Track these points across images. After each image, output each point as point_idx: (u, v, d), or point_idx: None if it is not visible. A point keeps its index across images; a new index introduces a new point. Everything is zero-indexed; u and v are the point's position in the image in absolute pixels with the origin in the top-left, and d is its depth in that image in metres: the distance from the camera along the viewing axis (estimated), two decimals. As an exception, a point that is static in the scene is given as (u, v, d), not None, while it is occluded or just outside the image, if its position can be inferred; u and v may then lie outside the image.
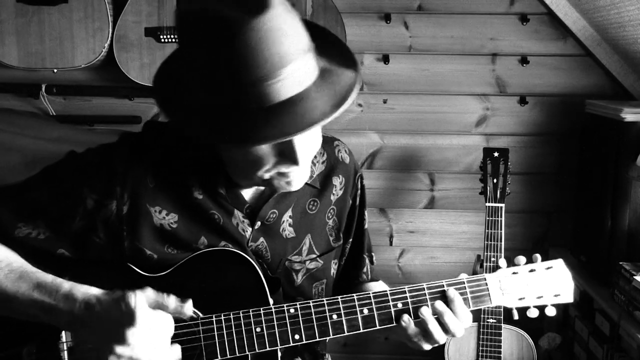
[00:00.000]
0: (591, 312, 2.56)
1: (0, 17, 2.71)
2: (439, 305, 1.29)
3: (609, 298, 2.38)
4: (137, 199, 1.29)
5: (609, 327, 2.38)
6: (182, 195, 1.31)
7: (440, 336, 1.30)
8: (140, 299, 1.13)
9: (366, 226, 1.57)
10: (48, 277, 1.21)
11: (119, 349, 1.12)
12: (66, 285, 1.19)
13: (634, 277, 2.20)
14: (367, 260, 1.58)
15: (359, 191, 1.53)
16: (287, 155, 1.18)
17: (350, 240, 1.54)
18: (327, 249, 1.47)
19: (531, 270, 1.36)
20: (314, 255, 1.44)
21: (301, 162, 1.18)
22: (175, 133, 1.36)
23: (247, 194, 1.36)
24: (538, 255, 1.37)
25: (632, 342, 2.22)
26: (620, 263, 2.33)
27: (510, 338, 2.58)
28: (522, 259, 1.37)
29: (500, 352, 2.48)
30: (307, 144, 1.20)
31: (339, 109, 1.11)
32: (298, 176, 1.25)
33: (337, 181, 1.47)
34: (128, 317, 1.12)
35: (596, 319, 2.50)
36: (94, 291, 1.18)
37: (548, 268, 1.36)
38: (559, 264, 1.38)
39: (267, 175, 1.23)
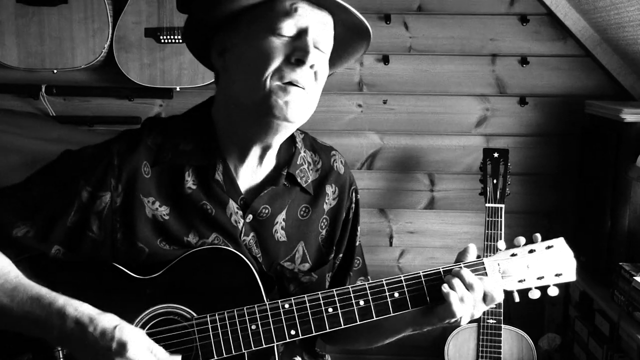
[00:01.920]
0: (591, 312, 2.55)
1: (0, 17, 2.71)
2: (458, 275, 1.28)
3: (609, 298, 2.37)
4: (131, 191, 1.30)
5: (608, 327, 2.38)
6: (175, 187, 1.32)
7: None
8: (137, 334, 1.16)
9: (357, 244, 1.54)
10: (42, 290, 1.21)
11: None
12: (60, 300, 1.19)
13: (634, 277, 2.20)
14: (349, 280, 1.53)
15: (352, 204, 1.51)
16: (300, 48, 1.23)
17: (341, 255, 1.51)
18: (321, 261, 1.46)
19: (531, 251, 1.31)
20: (307, 265, 1.42)
21: (311, 56, 1.22)
22: (173, 125, 1.37)
23: (243, 184, 1.36)
24: (538, 235, 1.33)
25: (632, 343, 2.22)
26: (620, 263, 2.32)
27: (510, 338, 2.58)
28: (521, 239, 1.33)
29: (500, 353, 2.48)
30: (318, 57, 1.26)
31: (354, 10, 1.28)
32: (300, 94, 1.25)
33: (330, 190, 1.46)
34: (120, 347, 1.14)
35: (596, 319, 2.50)
36: (88, 310, 1.18)
37: (548, 247, 1.32)
38: (559, 243, 1.33)
39: (272, 82, 1.23)
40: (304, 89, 1.25)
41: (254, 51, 1.25)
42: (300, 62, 1.23)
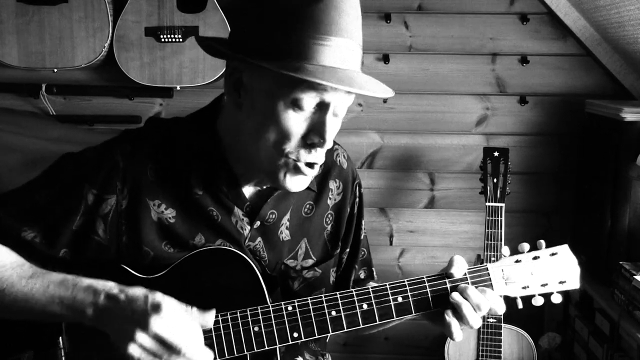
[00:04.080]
0: (591, 311, 2.56)
1: (1, 17, 2.71)
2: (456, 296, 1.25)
3: (609, 298, 2.38)
4: (137, 194, 1.29)
5: (609, 326, 2.38)
6: (181, 190, 1.31)
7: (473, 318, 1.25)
8: (167, 297, 1.15)
9: (362, 237, 1.54)
10: (61, 275, 1.21)
11: (141, 337, 1.11)
12: (84, 279, 1.19)
13: (634, 276, 2.20)
14: (354, 273, 1.54)
15: (357, 199, 1.51)
16: (317, 130, 1.19)
17: (348, 250, 1.51)
18: (326, 256, 1.45)
19: (535, 258, 1.30)
20: (310, 261, 1.42)
21: (328, 139, 1.19)
22: (177, 128, 1.36)
23: (248, 193, 1.36)
24: (542, 242, 1.32)
25: (632, 342, 2.22)
26: (620, 263, 2.33)
27: (510, 338, 2.58)
28: (525, 246, 1.31)
29: (500, 352, 2.48)
30: (334, 128, 1.22)
31: (389, 94, 1.23)
32: (310, 173, 1.24)
33: (334, 185, 1.46)
34: (154, 306, 1.13)
35: (596, 318, 2.50)
36: (113, 284, 1.18)
37: (553, 254, 1.31)
38: (564, 250, 1.32)
39: (284, 159, 1.21)
40: (316, 167, 1.25)
41: (271, 120, 1.18)
42: (315, 146, 1.20)
